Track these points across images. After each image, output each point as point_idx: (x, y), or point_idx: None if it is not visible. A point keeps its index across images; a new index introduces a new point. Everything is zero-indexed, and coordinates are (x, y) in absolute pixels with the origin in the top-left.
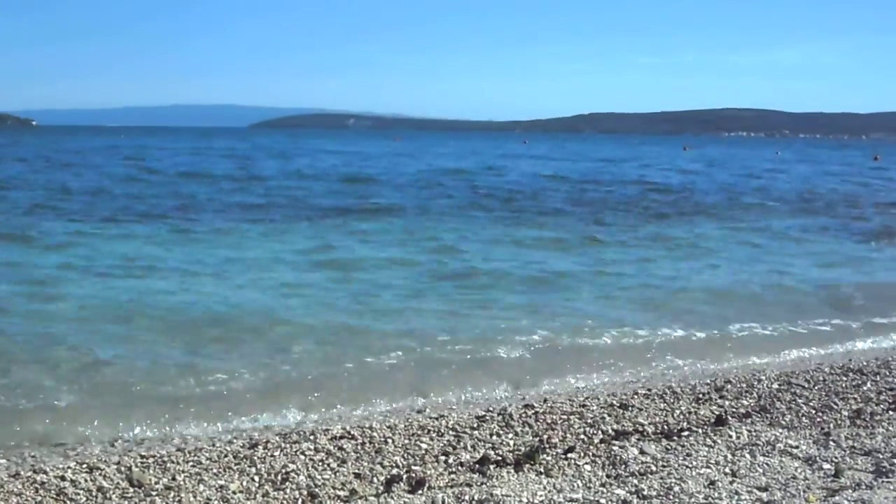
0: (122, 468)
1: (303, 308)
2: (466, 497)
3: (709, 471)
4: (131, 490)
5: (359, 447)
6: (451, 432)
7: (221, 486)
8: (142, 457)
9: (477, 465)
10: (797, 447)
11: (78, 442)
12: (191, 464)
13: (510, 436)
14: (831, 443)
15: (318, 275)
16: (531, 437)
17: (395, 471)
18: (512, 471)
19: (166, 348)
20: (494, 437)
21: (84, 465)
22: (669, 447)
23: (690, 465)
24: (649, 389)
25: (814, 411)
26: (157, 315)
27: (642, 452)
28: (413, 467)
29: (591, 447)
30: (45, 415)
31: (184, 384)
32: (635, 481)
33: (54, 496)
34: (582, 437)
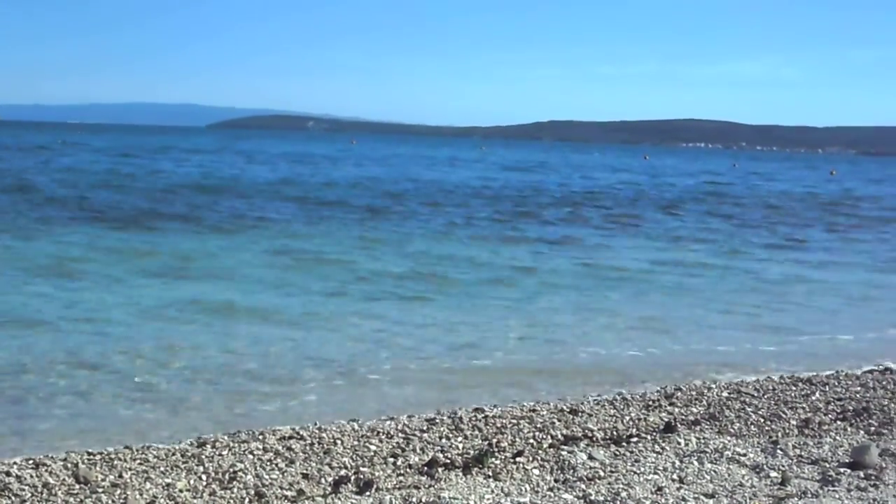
0: (69, 464)
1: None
2: (414, 499)
3: (656, 477)
4: (77, 487)
5: (307, 448)
6: (400, 434)
7: (168, 485)
8: (88, 453)
9: (425, 468)
10: (745, 455)
11: (24, 438)
12: (138, 461)
13: (459, 439)
14: (779, 451)
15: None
16: (480, 441)
17: (343, 472)
18: (460, 474)
19: (104, 346)
20: (444, 440)
21: (30, 461)
22: (618, 453)
23: (638, 471)
24: (599, 395)
25: (762, 420)
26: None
27: (591, 458)
28: (361, 469)
29: (540, 451)
30: None
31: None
32: (583, 486)
33: None
34: (531, 441)
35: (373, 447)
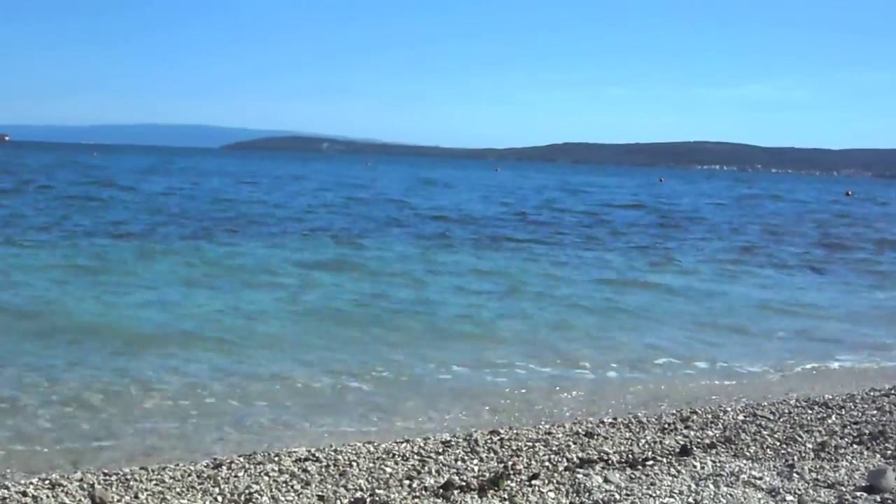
0: (85, 485)
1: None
2: None
3: (672, 500)
4: None
5: (323, 470)
6: (415, 457)
7: None
8: (105, 474)
9: (441, 490)
10: (761, 478)
11: (41, 458)
12: (154, 482)
13: (475, 461)
14: (795, 475)
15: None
16: (496, 464)
17: (358, 494)
18: (476, 496)
19: (128, 362)
20: (459, 463)
21: (46, 482)
22: (633, 476)
23: (654, 495)
24: (615, 418)
25: (778, 443)
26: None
27: (606, 481)
28: (377, 491)
29: (556, 474)
30: (6, 429)
31: (149, 400)
32: None
33: None
34: (547, 464)
35: (388, 469)
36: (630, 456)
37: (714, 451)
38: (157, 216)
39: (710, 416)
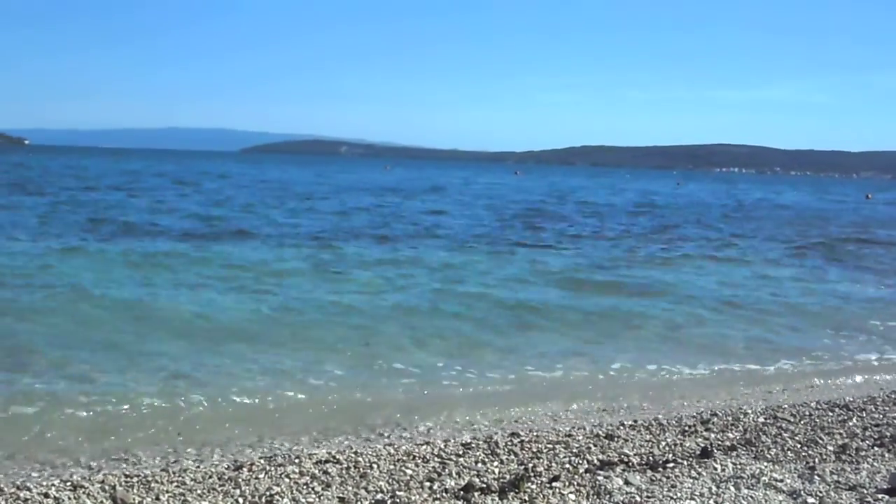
0: (106, 487)
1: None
2: None
3: (693, 503)
4: None
5: (344, 472)
6: (436, 459)
7: None
8: (126, 476)
9: (462, 492)
10: (782, 481)
11: (62, 459)
12: (175, 484)
13: (495, 464)
14: (816, 477)
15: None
16: (516, 466)
17: (379, 496)
18: (496, 498)
19: (152, 367)
20: (480, 465)
21: (68, 483)
22: (654, 478)
23: (675, 497)
24: (635, 420)
25: (799, 445)
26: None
27: (627, 483)
28: (398, 493)
29: (576, 477)
30: (29, 430)
31: (171, 403)
32: None
33: None
34: (567, 466)
35: (409, 471)
36: (650, 458)
37: (734, 453)
38: None
39: (730, 418)
